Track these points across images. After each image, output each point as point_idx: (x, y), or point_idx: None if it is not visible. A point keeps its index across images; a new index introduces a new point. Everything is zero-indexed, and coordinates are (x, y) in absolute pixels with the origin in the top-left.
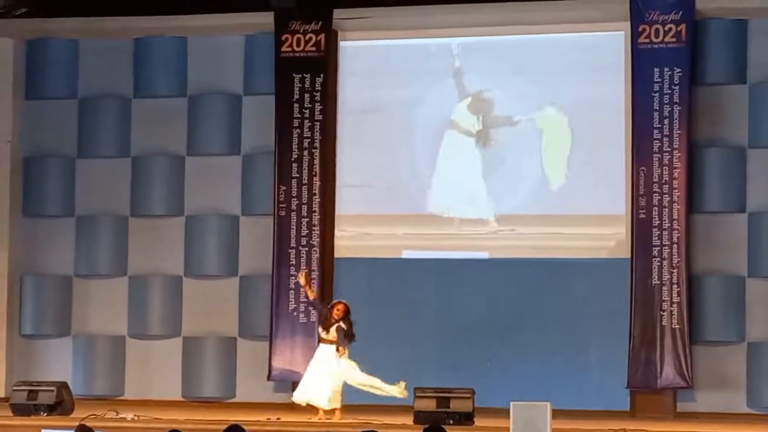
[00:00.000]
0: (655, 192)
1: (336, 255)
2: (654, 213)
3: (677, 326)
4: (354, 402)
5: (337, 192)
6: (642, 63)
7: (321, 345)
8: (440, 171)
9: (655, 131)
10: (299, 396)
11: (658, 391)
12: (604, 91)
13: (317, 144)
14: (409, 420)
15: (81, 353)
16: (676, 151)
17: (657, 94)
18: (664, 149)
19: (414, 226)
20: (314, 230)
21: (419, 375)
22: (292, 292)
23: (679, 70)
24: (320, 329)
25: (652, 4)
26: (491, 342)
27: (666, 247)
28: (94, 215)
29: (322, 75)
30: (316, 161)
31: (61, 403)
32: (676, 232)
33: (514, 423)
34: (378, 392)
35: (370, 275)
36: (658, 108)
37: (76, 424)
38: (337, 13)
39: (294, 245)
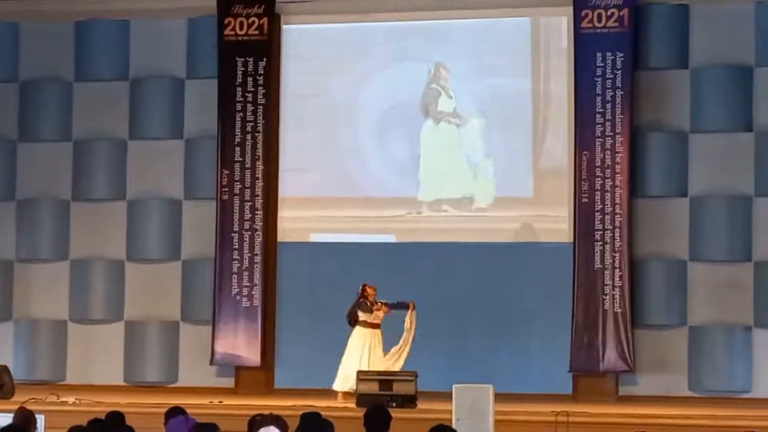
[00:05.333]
0: (597, 176)
1: (279, 239)
2: (596, 197)
3: (619, 310)
4: (292, 386)
5: (280, 176)
6: (584, 47)
7: (360, 329)
8: (383, 154)
9: (598, 116)
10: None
11: (601, 375)
12: (547, 76)
13: (260, 128)
14: (351, 403)
15: (22, 338)
16: (619, 136)
17: (599, 79)
18: (607, 134)
19: (357, 210)
20: (257, 214)
21: None
22: (235, 276)
23: (622, 54)
24: (363, 314)
25: None
26: (434, 325)
27: (608, 232)
28: (36, 199)
29: (265, 59)
30: (259, 145)
31: (2, 387)
32: (619, 216)
33: (457, 406)
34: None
35: (314, 259)
36: (600, 92)
37: (17, 407)
38: None
39: (237, 229)
